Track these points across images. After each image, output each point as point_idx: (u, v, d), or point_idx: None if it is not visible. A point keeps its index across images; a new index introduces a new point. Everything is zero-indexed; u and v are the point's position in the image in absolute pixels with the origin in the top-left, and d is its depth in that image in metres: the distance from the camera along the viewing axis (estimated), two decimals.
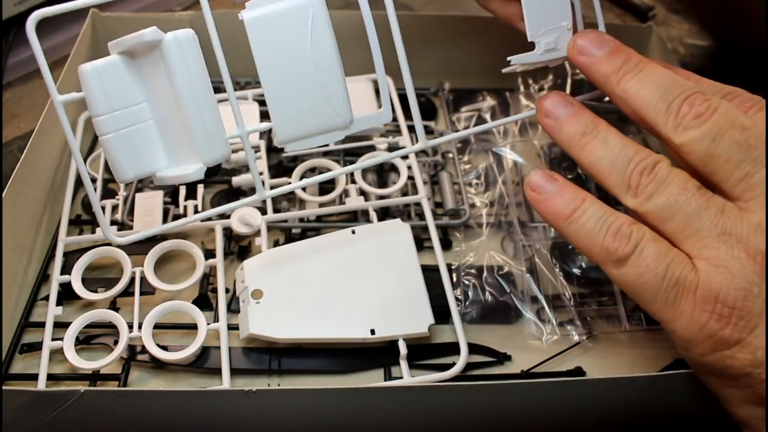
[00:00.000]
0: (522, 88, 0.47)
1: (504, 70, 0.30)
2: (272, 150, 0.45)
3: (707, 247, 0.24)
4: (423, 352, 0.35)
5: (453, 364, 0.34)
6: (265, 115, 0.46)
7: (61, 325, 0.34)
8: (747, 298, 0.23)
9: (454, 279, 0.38)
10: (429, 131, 0.48)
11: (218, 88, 0.51)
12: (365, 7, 0.27)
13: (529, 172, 0.28)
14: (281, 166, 0.44)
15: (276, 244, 0.39)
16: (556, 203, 0.27)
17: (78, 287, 0.36)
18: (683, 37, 0.57)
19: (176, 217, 0.40)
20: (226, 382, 0.33)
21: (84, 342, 0.35)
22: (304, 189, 0.41)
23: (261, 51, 0.26)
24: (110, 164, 0.27)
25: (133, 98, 0.27)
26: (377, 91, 0.47)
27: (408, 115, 0.47)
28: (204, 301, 0.37)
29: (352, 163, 0.43)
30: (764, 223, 0.23)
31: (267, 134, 0.45)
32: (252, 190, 0.42)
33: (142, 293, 0.36)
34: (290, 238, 0.40)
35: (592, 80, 0.28)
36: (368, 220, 0.40)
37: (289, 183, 0.41)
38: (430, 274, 0.37)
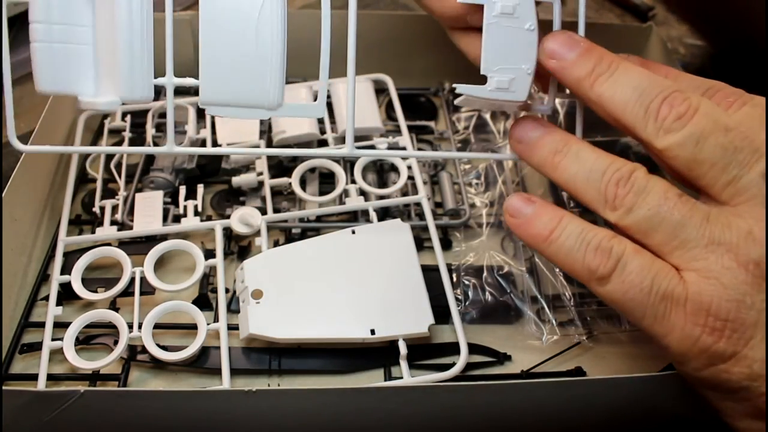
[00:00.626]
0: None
1: (457, 102, 0.28)
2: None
3: (695, 259, 0.23)
4: (423, 352, 0.35)
5: (453, 364, 0.34)
6: None
7: (61, 325, 0.34)
8: (740, 310, 0.22)
9: (454, 279, 0.38)
10: (429, 131, 0.48)
11: None
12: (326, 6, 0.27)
13: (507, 198, 0.27)
14: (281, 166, 0.44)
15: (276, 244, 0.39)
16: (533, 226, 0.26)
17: (78, 287, 0.36)
18: (683, 37, 0.57)
19: (176, 217, 0.40)
20: (226, 383, 0.33)
21: (84, 342, 0.35)
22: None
23: (207, 5, 0.25)
24: (33, 70, 0.26)
25: (77, 18, 0.26)
26: (377, 91, 0.47)
27: (408, 115, 0.47)
28: (204, 301, 0.37)
29: (352, 164, 0.43)
30: (755, 229, 0.22)
31: (267, 134, 0.45)
32: (252, 191, 0.42)
33: (142, 293, 0.36)
34: (290, 238, 0.40)
35: (565, 85, 0.27)
36: (368, 220, 0.40)
37: (289, 183, 0.41)
38: (430, 274, 0.37)
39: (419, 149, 0.46)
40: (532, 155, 0.27)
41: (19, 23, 0.56)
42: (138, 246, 0.39)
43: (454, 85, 0.27)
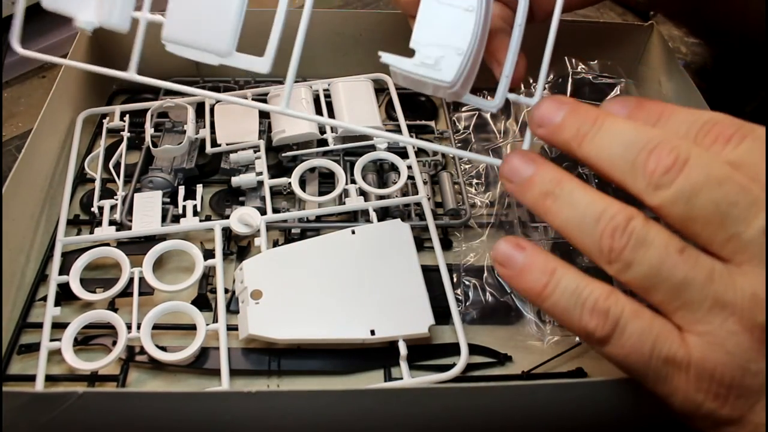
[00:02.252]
0: (522, 88, 0.47)
1: (393, 78, 0.27)
2: (271, 150, 0.44)
3: (699, 322, 0.22)
4: (423, 352, 0.35)
5: (453, 365, 0.34)
6: (264, 114, 0.46)
7: (59, 326, 0.34)
8: (745, 377, 0.21)
9: (455, 279, 0.38)
10: (429, 131, 0.48)
11: (217, 88, 0.51)
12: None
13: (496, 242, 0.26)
14: (281, 166, 0.44)
15: (275, 244, 0.39)
16: (525, 280, 0.24)
17: (76, 288, 0.36)
18: (685, 36, 0.57)
19: (175, 217, 0.40)
20: (225, 383, 0.33)
21: (82, 343, 0.35)
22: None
23: None
24: None
25: None
26: (377, 91, 0.47)
27: (408, 114, 0.47)
28: (203, 301, 0.37)
29: (352, 164, 0.43)
30: (759, 290, 0.21)
31: (266, 134, 0.45)
32: (252, 191, 0.42)
33: (140, 294, 0.36)
34: (290, 238, 0.40)
35: (555, 147, 0.26)
36: (368, 220, 0.40)
37: (289, 183, 0.41)
38: (431, 274, 0.37)
39: (419, 149, 0.46)
40: (523, 196, 0.26)
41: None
42: (137, 246, 0.39)
43: (379, 53, 0.26)
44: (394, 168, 0.43)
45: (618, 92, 0.44)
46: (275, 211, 0.40)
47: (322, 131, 0.44)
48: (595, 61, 0.44)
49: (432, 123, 0.48)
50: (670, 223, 0.23)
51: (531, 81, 0.47)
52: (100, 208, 0.40)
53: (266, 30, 0.27)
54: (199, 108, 0.46)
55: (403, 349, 0.34)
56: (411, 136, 0.45)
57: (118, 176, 0.42)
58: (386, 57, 0.26)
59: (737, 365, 0.21)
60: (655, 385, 0.23)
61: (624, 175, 0.23)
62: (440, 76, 0.25)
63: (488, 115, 0.47)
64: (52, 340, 0.34)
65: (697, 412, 0.22)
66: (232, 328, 0.35)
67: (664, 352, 0.22)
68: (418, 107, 0.50)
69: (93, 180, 0.42)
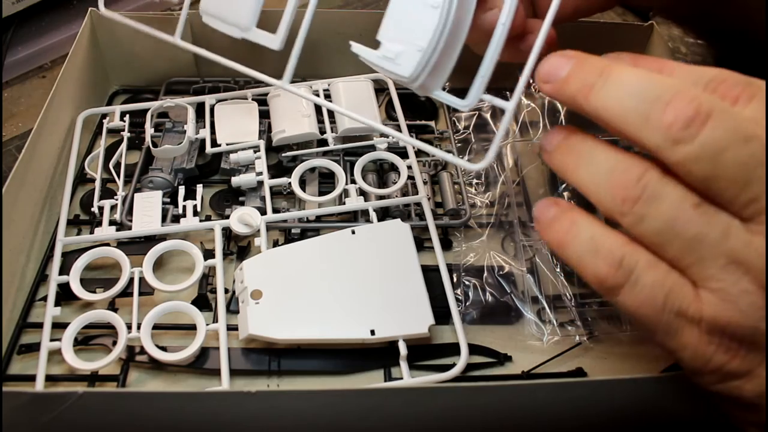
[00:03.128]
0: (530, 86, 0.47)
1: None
2: (271, 150, 0.44)
3: (712, 278, 0.21)
4: (423, 352, 0.35)
5: (453, 365, 0.34)
6: (264, 114, 0.46)
7: (59, 326, 0.34)
8: (756, 334, 0.21)
9: (455, 279, 0.38)
10: (429, 131, 0.48)
11: (217, 88, 0.51)
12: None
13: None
14: (281, 166, 0.44)
15: (275, 244, 0.39)
16: (551, 230, 0.25)
17: (76, 288, 0.36)
18: (685, 36, 0.57)
19: (175, 217, 0.40)
20: (225, 383, 0.33)
21: (82, 343, 0.35)
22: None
23: None
24: None
25: None
26: (377, 91, 0.47)
27: (408, 114, 0.47)
28: (203, 301, 0.37)
29: (352, 164, 0.43)
30: None
31: (266, 134, 0.45)
32: (252, 191, 0.42)
33: (140, 294, 0.36)
34: (290, 238, 0.40)
35: (565, 105, 0.25)
36: (368, 220, 0.40)
37: (289, 183, 0.41)
38: (431, 274, 0.37)
39: (419, 149, 0.46)
40: (551, 160, 0.25)
41: (17, 22, 0.56)
42: (137, 246, 0.39)
43: (350, 42, 0.26)
44: (394, 168, 0.43)
45: None
46: (275, 211, 0.40)
47: (322, 131, 0.44)
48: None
49: (432, 123, 0.48)
50: (689, 180, 0.22)
51: (531, 81, 0.47)
52: (100, 208, 0.40)
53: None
54: (199, 108, 0.46)
55: (403, 349, 0.34)
56: (411, 136, 0.45)
57: (118, 176, 0.42)
58: (356, 47, 0.26)
59: (750, 324, 0.21)
60: (665, 338, 0.23)
61: (638, 129, 0.22)
62: (398, 71, 0.25)
63: (488, 115, 0.47)
64: (52, 340, 0.34)
65: (706, 366, 0.22)
66: (232, 328, 0.35)
67: (676, 305, 0.22)
68: (418, 107, 0.50)
69: (93, 180, 0.42)
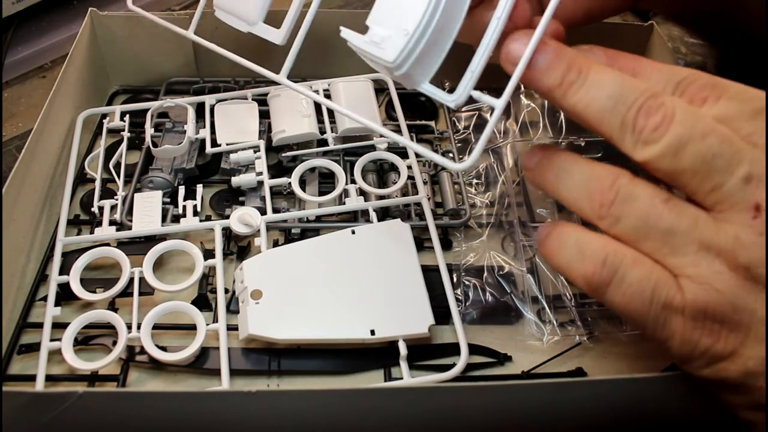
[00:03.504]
0: (522, 88, 0.47)
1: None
2: (271, 150, 0.44)
3: (688, 265, 0.23)
4: (423, 352, 0.35)
5: (453, 365, 0.34)
6: (264, 114, 0.46)
7: (59, 326, 0.34)
8: (735, 312, 0.23)
9: (455, 279, 0.38)
10: (429, 131, 0.48)
11: (217, 88, 0.51)
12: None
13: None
14: (281, 166, 0.44)
15: (275, 244, 0.39)
16: (545, 244, 0.27)
17: (76, 287, 0.36)
18: (685, 36, 0.57)
19: (175, 217, 0.40)
20: (225, 383, 0.33)
21: (82, 343, 0.35)
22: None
23: None
24: None
25: None
26: (377, 91, 0.47)
27: (408, 114, 0.47)
28: (203, 301, 0.37)
29: (352, 164, 0.43)
30: (741, 234, 0.22)
31: (266, 134, 0.45)
32: (252, 191, 0.42)
33: (141, 294, 0.36)
34: (290, 238, 0.40)
35: (536, 92, 0.26)
36: (368, 220, 0.40)
37: (289, 183, 0.41)
38: (431, 274, 0.37)
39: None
40: (533, 178, 0.28)
41: (17, 22, 0.56)
42: (137, 246, 0.39)
43: (340, 27, 0.26)
44: (394, 168, 0.43)
45: None
46: (275, 211, 0.40)
47: (322, 131, 0.44)
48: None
49: (432, 123, 0.48)
50: (658, 176, 0.24)
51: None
52: (101, 208, 0.40)
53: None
54: (199, 108, 0.46)
55: (403, 349, 0.34)
56: (411, 136, 0.45)
57: (119, 176, 0.42)
58: (345, 32, 0.26)
59: (726, 301, 0.23)
60: (654, 330, 0.24)
61: (612, 129, 0.24)
62: (382, 55, 0.25)
63: (488, 115, 0.47)
64: (52, 340, 0.34)
65: (694, 352, 0.24)
66: (232, 328, 0.35)
67: (662, 297, 0.23)
68: (418, 107, 0.50)
69: (93, 180, 0.42)
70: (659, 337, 0.24)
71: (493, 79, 0.27)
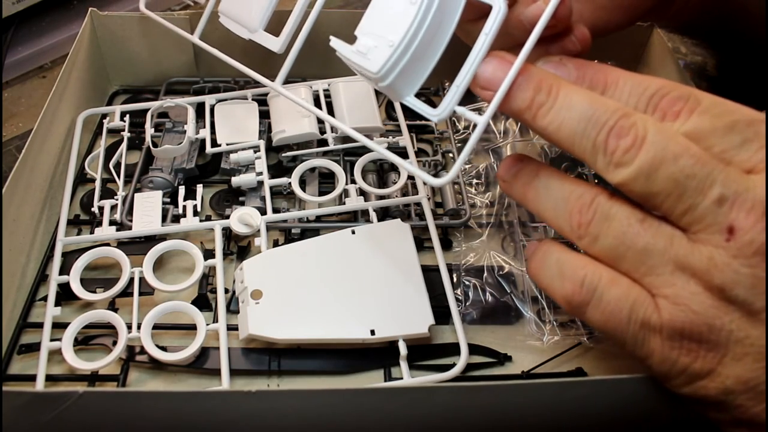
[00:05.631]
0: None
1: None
2: (271, 150, 0.44)
3: (664, 285, 0.23)
4: (423, 352, 0.35)
5: (453, 365, 0.34)
6: (264, 114, 0.46)
7: (59, 326, 0.34)
8: (711, 332, 0.23)
9: (455, 279, 0.38)
10: (429, 131, 0.48)
11: (217, 88, 0.51)
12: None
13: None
14: (281, 166, 0.44)
15: (275, 244, 0.39)
16: (530, 263, 0.27)
17: (76, 287, 0.36)
18: (685, 36, 0.57)
19: (175, 217, 0.40)
20: (225, 383, 0.33)
21: (82, 343, 0.35)
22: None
23: None
24: None
25: None
26: (377, 91, 0.47)
27: (408, 115, 0.47)
28: (203, 301, 0.37)
29: (352, 164, 0.43)
30: (715, 255, 0.22)
31: (266, 134, 0.45)
32: (252, 191, 0.42)
33: (141, 294, 0.36)
34: (290, 238, 0.40)
35: (508, 114, 0.26)
36: (368, 220, 0.40)
37: (289, 183, 0.41)
38: (431, 274, 0.37)
39: (419, 149, 0.46)
40: (511, 191, 0.28)
41: (17, 22, 0.56)
42: (137, 246, 0.39)
43: (330, 37, 0.26)
44: (394, 168, 0.43)
45: None
46: (275, 211, 0.40)
47: (322, 131, 0.44)
48: (595, 62, 0.44)
49: (432, 123, 0.48)
50: (633, 198, 0.24)
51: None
52: (101, 208, 0.40)
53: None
54: (199, 108, 0.46)
55: (403, 349, 0.34)
56: (411, 137, 0.45)
57: (119, 176, 0.42)
58: (334, 42, 0.26)
59: (703, 322, 0.23)
60: (634, 348, 0.24)
61: (584, 152, 0.24)
62: (367, 65, 0.25)
63: None
64: (52, 339, 0.34)
65: (672, 370, 0.24)
66: (232, 328, 0.35)
67: (640, 316, 0.24)
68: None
69: (93, 180, 0.42)
70: (639, 355, 0.25)
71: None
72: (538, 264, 0.27)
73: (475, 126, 0.25)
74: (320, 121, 0.45)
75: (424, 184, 0.42)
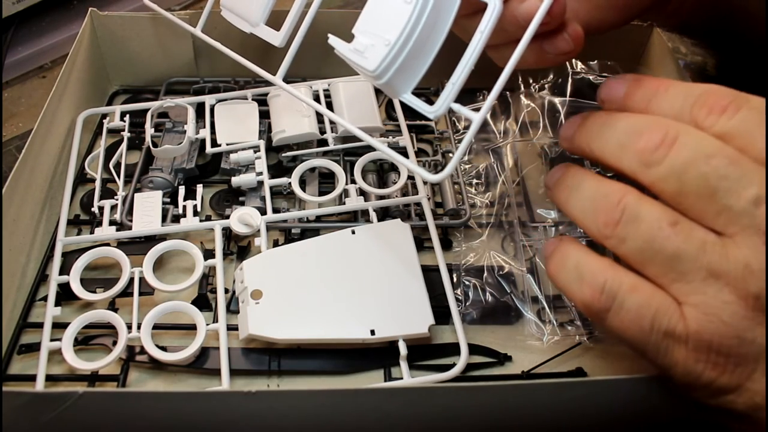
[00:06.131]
0: (522, 88, 0.47)
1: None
2: (271, 150, 0.44)
3: (694, 292, 0.22)
4: (423, 352, 0.35)
5: (453, 365, 0.34)
6: (264, 114, 0.46)
7: (59, 326, 0.34)
8: (742, 346, 0.22)
9: (455, 279, 0.38)
10: (429, 131, 0.48)
11: (217, 88, 0.51)
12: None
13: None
14: (281, 166, 0.44)
15: (275, 244, 0.39)
16: (550, 262, 0.26)
17: (77, 287, 0.36)
18: (684, 36, 0.57)
19: (175, 217, 0.40)
20: (225, 383, 0.33)
21: (82, 343, 0.35)
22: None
23: None
24: None
25: None
26: (377, 91, 0.47)
27: (408, 115, 0.47)
28: (203, 301, 0.37)
29: (352, 164, 0.43)
30: (752, 261, 0.21)
31: (266, 134, 0.45)
32: (252, 191, 0.42)
33: (141, 294, 0.36)
34: (290, 238, 0.40)
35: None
36: (368, 220, 0.40)
37: (289, 183, 0.41)
38: (431, 274, 0.37)
39: (419, 149, 0.46)
40: (555, 198, 0.27)
41: (18, 22, 0.56)
42: (137, 246, 0.39)
43: (328, 35, 0.26)
44: (394, 168, 0.43)
45: None
46: (275, 211, 0.40)
47: (322, 131, 0.44)
48: (595, 62, 0.44)
49: (432, 123, 0.48)
50: (664, 199, 0.23)
51: (531, 81, 0.47)
52: (101, 208, 0.40)
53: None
54: (199, 108, 0.46)
55: (403, 349, 0.34)
56: (411, 136, 0.45)
57: (119, 176, 0.42)
58: (332, 40, 0.26)
59: (733, 334, 0.22)
60: (656, 357, 0.23)
61: (616, 157, 0.24)
62: (364, 64, 0.25)
63: (488, 115, 0.47)
64: (52, 340, 0.34)
65: (697, 382, 0.23)
66: (232, 328, 0.35)
67: (663, 325, 0.23)
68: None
69: (93, 180, 0.42)
70: (661, 365, 0.24)
71: (494, 80, 0.27)
72: (557, 266, 0.26)
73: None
74: (320, 121, 0.45)
75: (424, 183, 0.42)
